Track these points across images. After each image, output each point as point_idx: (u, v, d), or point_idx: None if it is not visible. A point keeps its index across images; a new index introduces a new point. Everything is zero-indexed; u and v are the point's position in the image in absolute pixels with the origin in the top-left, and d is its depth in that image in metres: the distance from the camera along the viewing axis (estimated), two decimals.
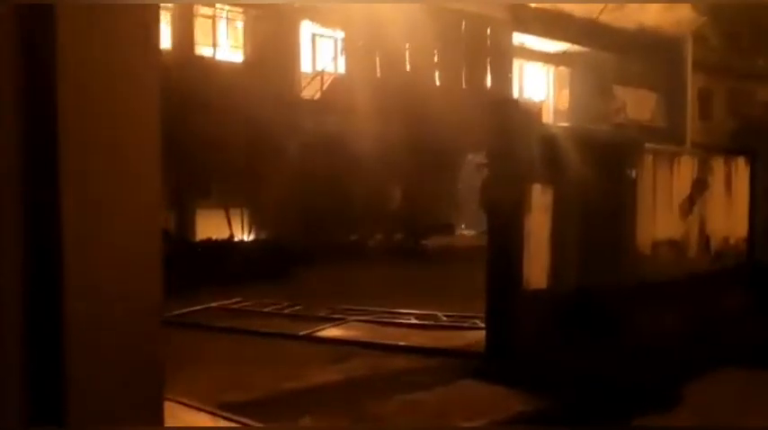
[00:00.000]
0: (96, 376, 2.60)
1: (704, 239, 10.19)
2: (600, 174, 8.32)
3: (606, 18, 25.21)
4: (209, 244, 16.71)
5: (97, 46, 2.59)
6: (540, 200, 7.80)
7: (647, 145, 9.70)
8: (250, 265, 15.41)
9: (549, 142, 7.88)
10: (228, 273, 14.66)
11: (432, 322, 9.57)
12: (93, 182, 2.61)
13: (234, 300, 11.28)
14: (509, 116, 7.50)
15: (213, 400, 6.03)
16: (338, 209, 18.96)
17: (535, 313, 7.70)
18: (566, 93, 25.32)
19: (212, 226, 17.67)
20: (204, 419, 5.38)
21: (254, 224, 18.56)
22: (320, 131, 19.16)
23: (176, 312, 10.21)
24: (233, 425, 5.30)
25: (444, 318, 9.70)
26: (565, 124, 20.29)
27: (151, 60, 2.74)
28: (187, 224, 17.75)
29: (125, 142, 2.69)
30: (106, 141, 2.64)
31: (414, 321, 9.67)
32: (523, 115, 7.74)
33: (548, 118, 23.86)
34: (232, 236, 17.69)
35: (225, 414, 5.42)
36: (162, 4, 17.52)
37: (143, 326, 2.78)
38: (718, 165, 10.56)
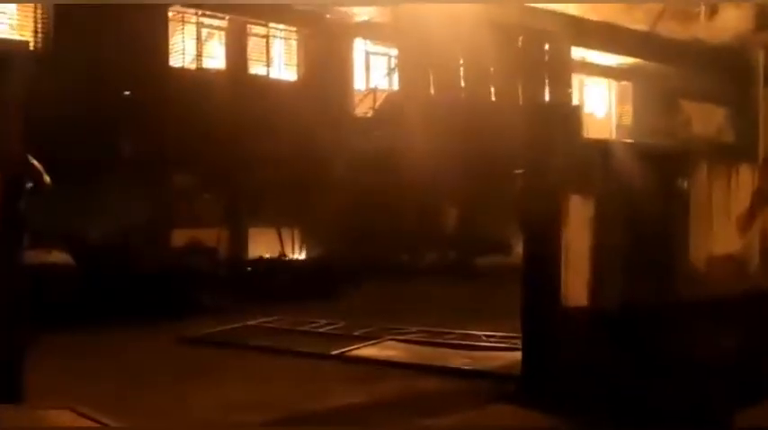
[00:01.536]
0: None
1: (766, 255, 9.49)
2: (648, 184, 7.79)
3: (676, 29, 24.41)
4: (260, 262, 16.62)
5: None
6: (581, 212, 7.32)
7: (702, 153, 9.11)
8: (299, 284, 15.26)
9: (590, 149, 7.42)
10: (278, 291, 14.53)
11: (471, 342, 9.14)
12: None
13: (272, 318, 11.05)
14: (543, 121, 7.07)
15: (224, 421, 5.76)
16: (391, 227, 18.64)
17: (574, 333, 7.22)
18: (628, 108, 24.53)
19: (264, 244, 17.58)
20: None
21: (306, 243, 18.40)
22: (373, 149, 18.92)
23: (211, 330, 10.04)
24: None
25: (484, 338, 9.26)
26: (625, 140, 19.59)
27: None
28: (240, 242, 17.69)
29: None
30: None
31: (453, 341, 9.25)
32: (559, 120, 7.28)
33: (610, 133, 23.12)
34: (283, 254, 17.56)
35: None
36: (216, 23, 17.67)
37: None
38: None
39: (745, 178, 9.38)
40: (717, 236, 8.82)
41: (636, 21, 22.57)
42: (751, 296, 8.84)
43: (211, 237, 16.16)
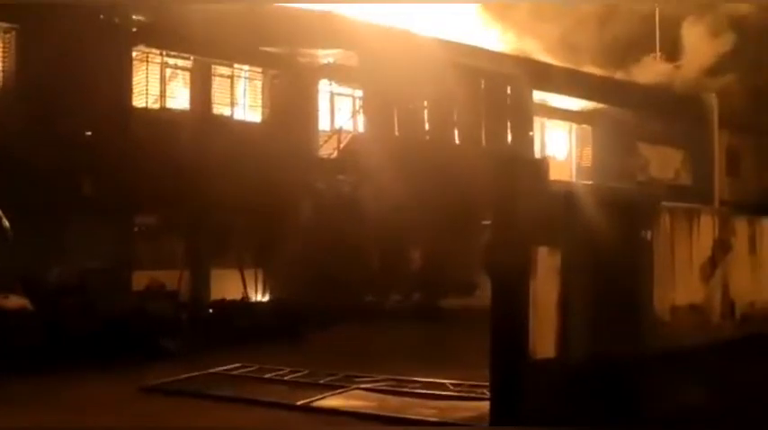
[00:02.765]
0: None
1: (728, 304, 9.63)
2: (613, 233, 7.87)
3: (628, 76, 25.00)
4: (223, 304, 16.40)
5: None
6: (548, 263, 7.36)
7: (665, 203, 9.24)
8: (262, 327, 15.07)
9: (557, 201, 7.48)
10: (241, 334, 14.33)
11: (438, 391, 9.07)
12: None
13: (234, 366, 10.87)
14: (511, 173, 7.12)
15: None
16: (355, 269, 18.57)
17: (543, 384, 7.21)
18: (588, 150, 24.92)
19: (227, 286, 17.37)
20: None
21: (269, 285, 18.23)
22: (337, 190, 18.92)
23: (173, 378, 9.85)
24: None
25: (452, 387, 9.20)
26: (582, 182, 19.85)
27: None
28: (201, 284, 17.46)
29: None
30: None
31: (419, 390, 9.17)
32: (527, 172, 7.35)
33: (570, 176, 23.41)
34: (246, 296, 17.37)
35: None
36: (181, 63, 17.61)
37: None
38: (741, 225, 10.05)
39: (706, 227, 9.53)
40: (680, 285, 8.92)
41: (598, 65, 23.15)
42: (714, 344, 8.94)
43: (173, 279, 15.92)
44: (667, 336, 8.51)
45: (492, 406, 7.22)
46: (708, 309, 9.32)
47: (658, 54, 26.22)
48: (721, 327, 9.43)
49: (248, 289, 17.59)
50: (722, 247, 9.56)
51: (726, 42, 25.21)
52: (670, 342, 8.44)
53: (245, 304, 16.89)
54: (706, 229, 9.42)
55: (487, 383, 8.17)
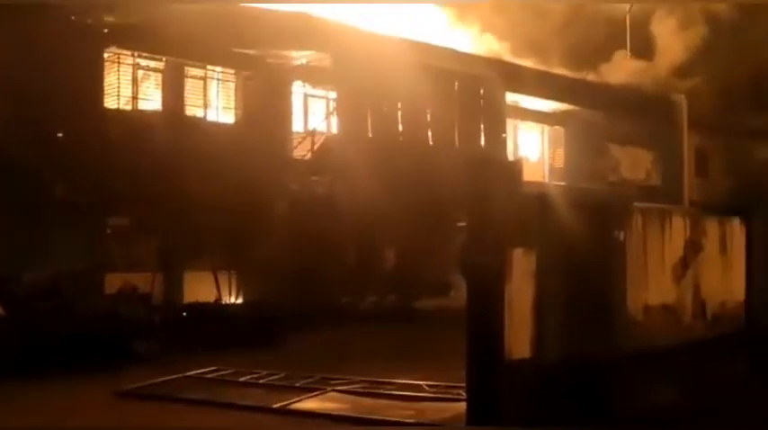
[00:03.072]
0: None
1: (700, 304, 9.78)
2: (586, 234, 7.97)
3: (598, 77, 25.25)
4: (196, 307, 16.31)
5: None
6: (523, 264, 7.44)
7: (637, 204, 9.37)
8: (237, 329, 15.00)
9: (531, 202, 7.57)
10: (214, 337, 14.26)
11: (414, 393, 9.12)
12: None
13: (211, 369, 10.84)
14: (486, 175, 7.19)
15: None
16: (330, 271, 18.57)
17: (519, 385, 7.29)
18: (561, 152, 25.13)
19: (200, 289, 17.28)
20: None
21: (243, 287, 18.16)
22: (311, 191, 18.91)
23: (148, 382, 9.80)
24: None
25: (428, 388, 9.25)
26: (555, 183, 20.03)
27: None
28: (174, 287, 17.36)
29: None
30: None
31: (395, 391, 9.21)
32: (502, 174, 7.42)
33: (543, 177, 23.60)
34: (219, 299, 17.29)
35: None
36: (153, 65, 17.50)
37: None
38: (711, 226, 10.22)
39: (678, 227, 9.67)
40: (652, 285, 9.05)
41: (569, 67, 23.34)
42: (686, 344, 9.08)
43: (146, 281, 15.82)
44: (640, 336, 8.63)
45: (468, 406, 7.29)
46: (680, 309, 9.46)
47: (629, 51, 26.45)
48: (693, 327, 9.58)
49: (222, 291, 17.51)
50: (693, 248, 9.71)
51: (696, 35, 25.46)
52: (643, 342, 8.57)
53: (218, 307, 16.82)
54: (678, 230, 9.57)
55: (463, 384, 8.24)
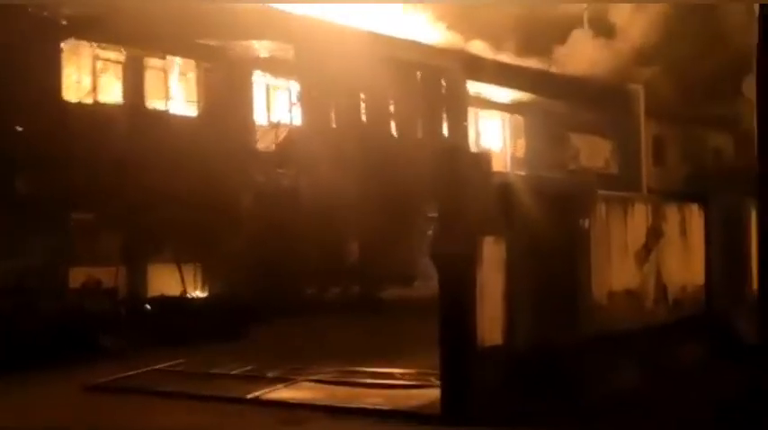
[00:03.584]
0: None
1: (661, 288, 10.04)
2: (552, 223, 8.14)
3: (559, 68, 25.53)
4: (161, 300, 16.20)
5: None
6: (493, 252, 7.59)
7: (601, 192, 9.57)
8: (203, 322, 14.93)
9: (500, 192, 7.71)
10: (180, 330, 14.20)
11: (387, 381, 9.22)
12: None
13: (177, 362, 10.81)
14: (456, 166, 7.31)
15: None
16: (294, 262, 18.58)
17: (492, 371, 7.44)
18: (522, 141, 25.43)
19: (165, 282, 17.17)
20: None
21: (208, 279, 18.10)
22: (276, 183, 18.88)
23: (118, 376, 9.76)
24: None
25: (400, 376, 9.37)
26: (520, 172, 20.27)
27: None
28: (138, 280, 17.22)
29: None
30: None
31: (368, 380, 9.31)
32: (472, 164, 7.55)
33: (504, 166, 23.87)
34: (185, 292, 17.20)
35: None
36: (113, 56, 17.28)
37: None
38: (672, 212, 10.48)
39: (640, 214, 9.91)
40: (616, 271, 9.27)
41: (529, 56, 23.52)
42: (648, 328, 9.33)
43: (110, 275, 15.68)
44: (604, 321, 8.84)
45: (442, 392, 7.42)
46: (642, 293, 9.71)
47: (586, 26, 26.42)
48: (655, 312, 9.84)
49: (187, 284, 17.43)
50: (655, 234, 9.96)
51: (655, 15, 25.56)
52: (607, 326, 8.78)
53: (184, 300, 16.73)
54: (640, 217, 9.80)
55: (435, 371, 8.39)
